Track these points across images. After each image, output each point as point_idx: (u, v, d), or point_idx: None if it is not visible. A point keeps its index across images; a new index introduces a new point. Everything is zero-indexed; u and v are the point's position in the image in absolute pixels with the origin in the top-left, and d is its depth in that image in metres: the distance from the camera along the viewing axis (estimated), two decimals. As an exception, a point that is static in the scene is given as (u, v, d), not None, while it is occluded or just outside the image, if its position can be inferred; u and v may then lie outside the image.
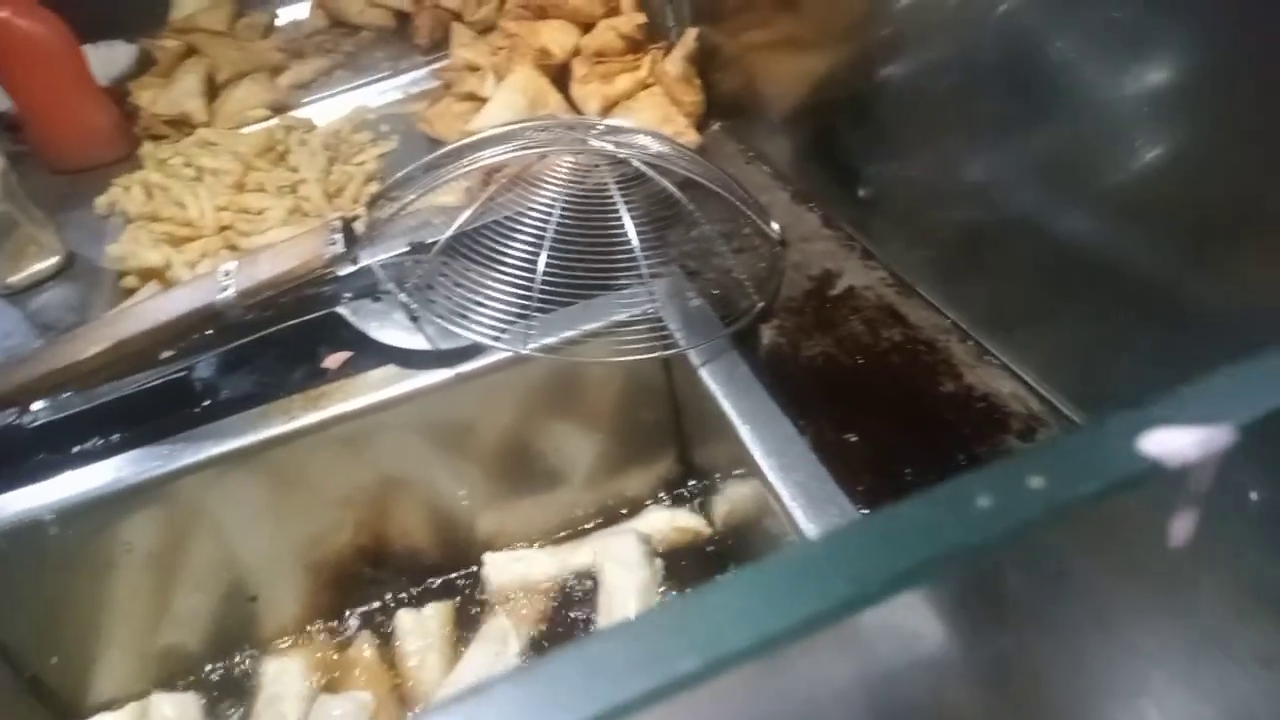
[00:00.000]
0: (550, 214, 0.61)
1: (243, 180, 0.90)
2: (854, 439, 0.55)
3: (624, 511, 0.81)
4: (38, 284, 0.89)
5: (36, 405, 0.67)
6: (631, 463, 0.79)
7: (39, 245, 0.89)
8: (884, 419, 0.56)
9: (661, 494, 0.81)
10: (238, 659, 0.74)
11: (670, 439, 0.79)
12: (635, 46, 0.89)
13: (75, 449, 0.67)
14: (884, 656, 0.32)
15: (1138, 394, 0.28)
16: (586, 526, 0.80)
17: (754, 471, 0.56)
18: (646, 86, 0.87)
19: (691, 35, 0.86)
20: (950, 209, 0.63)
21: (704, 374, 0.62)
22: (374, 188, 0.94)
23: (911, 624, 0.31)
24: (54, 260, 0.89)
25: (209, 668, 0.74)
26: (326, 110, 1.10)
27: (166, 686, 0.72)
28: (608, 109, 0.86)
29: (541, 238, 0.61)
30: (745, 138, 0.84)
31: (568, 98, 0.89)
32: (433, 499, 0.74)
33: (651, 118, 0.84)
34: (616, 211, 0.64)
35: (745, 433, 0.57)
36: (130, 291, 0.83)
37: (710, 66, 0.87)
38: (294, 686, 0.70)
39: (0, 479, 0.65)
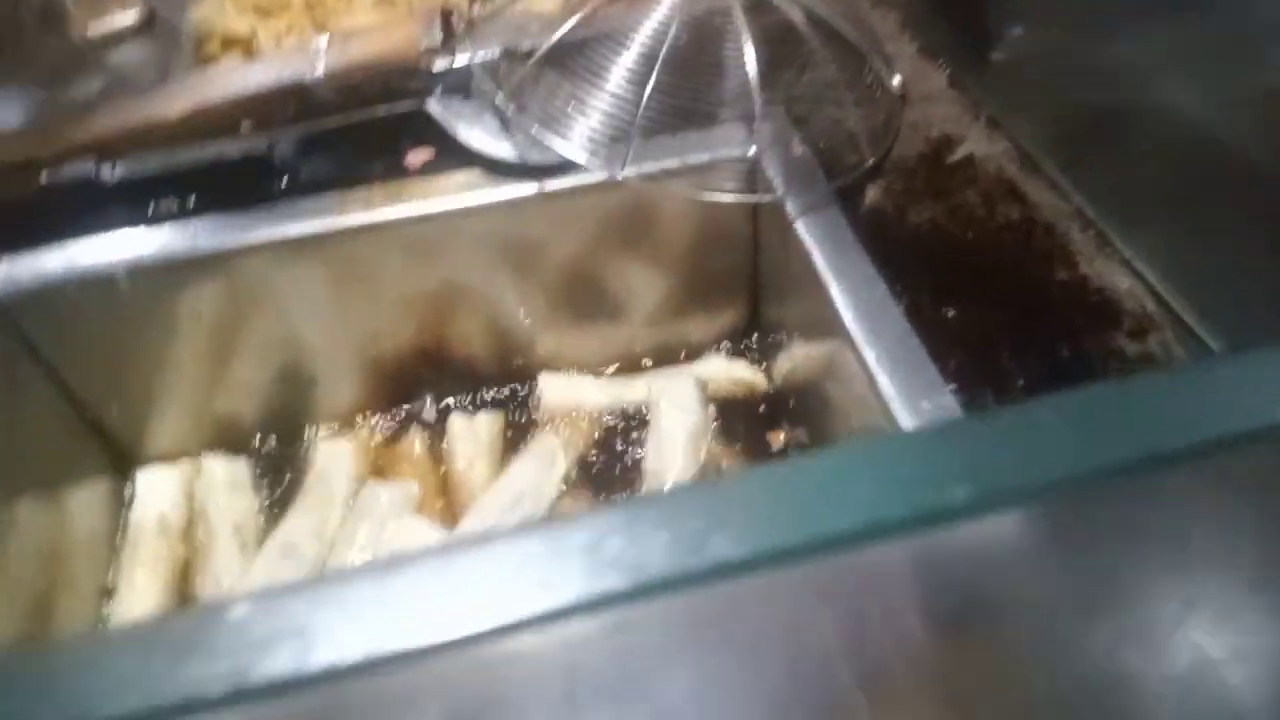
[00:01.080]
0: (665, 30, 0.57)
1: (333, -45, 0.85)
2: (952, 314, 0.53)
3: (682, 355, 0.80)
4: (117, 38, 0.86)
5: (114, 161, 0.66)
6: (697, 307, 0.78)
7: (120, -3, 0.86)
8: (987, 298, 0.53)
9: (724, 343, 0.80)
10: (291, 436, 0.76)
11: (742, 289, 0.77)
12: None
13: (150, 209, 0.66)
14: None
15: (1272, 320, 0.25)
16: (643, 364, 0.80)
17: (838, 332, 0.54)
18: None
19: None
20: (1091, 86, 0.57)
21: (799, 226, 0.59)
22: (467, -19, 0.88)
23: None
24: (134, 15, 0.86)
25: (260, 440, 0.76)
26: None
27: (219, 449, 0.74)
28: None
29: (652, 56, 0.57)
30: (873, -22, 0.78)
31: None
32: (495, 312, 0.74)
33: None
34: (734, 38, 0.59)
35: (836, 292, 0.55)
36: (211, 59, 0.80)
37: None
38: (344, 466, 0.72)
39: (76, 229, 0.64)
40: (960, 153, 0.63)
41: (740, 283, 0.76)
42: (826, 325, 0.57)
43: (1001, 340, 0.51)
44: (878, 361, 0.50)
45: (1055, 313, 0.53)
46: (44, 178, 0.65)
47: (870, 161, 0.61)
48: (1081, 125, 0.58)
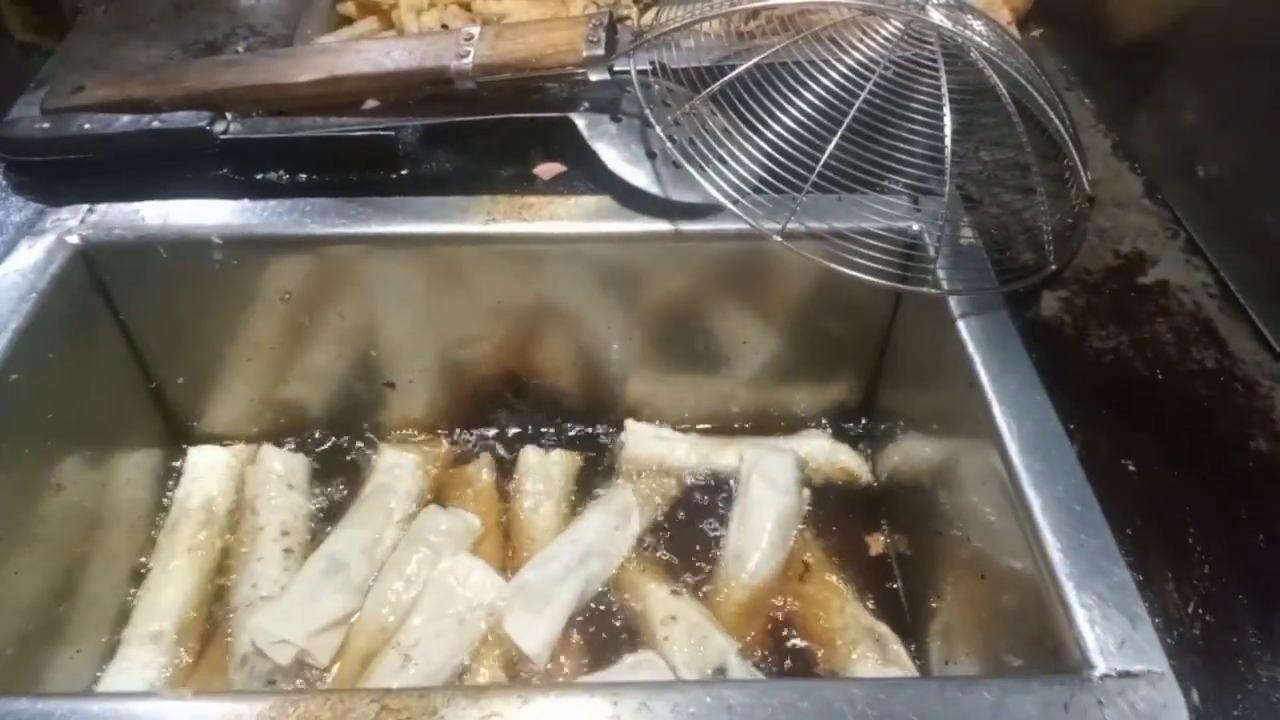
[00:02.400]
0: (861, 85, 0.51)
1: (486, -68, 0.80)
2: (1132, 468, 0.46)
3: (781, 424, 0.73)
4: (251, -19, 0.82)
5: (230, 119, 0.61)
6: (807, 375, 0.71)
7: (263, -61, 0.82)
8: (1173, 457, 0.46)
9: (825, 419, 0.73)
10: (355, 438, 0.71)
11: (862, 367, 0.70)
12: (975, -92, 0.74)
13: (259, 175, 0.61)
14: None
15: None
16: (737, 427, 0.73)
17: (991, 453, 0.47)
18: (972, -39, 0.73)
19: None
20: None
21: (962, 326, 0.52)
22: (624, -17, 0.83)
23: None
24: (273, -40, 0.82)
25: (320, 435, 0.71)
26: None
27: (276, 440, 0.70)
28: (921, -25, 0.72)
29: (841, 110, 0.51)
30: (1070, 56, 0.70)
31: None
32: (590, 344, 0.68)
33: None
34: (929, 103, 0.52)
35: (1000, 414, 0.48)
36: (345, 19, 0.76)
37: (1054, -41, 0.72)
38: (405, 484, 0.67)
39: (178, 184, 0.60)
40: (1153, 275, 0.55)
41: (861, 359, 0.69)
42: (975, 441, 0.51)
43: (1187, 510, 0.44)
44: (1044, 510, 0.43)
45: (1250, 488, 0.46)
46: (154, 123, 0.61)
47: (1053, 267, 0.54)
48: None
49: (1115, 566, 0.42)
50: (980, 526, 0.51)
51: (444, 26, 0.73)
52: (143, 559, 0.63)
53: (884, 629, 0.59)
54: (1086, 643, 0.39)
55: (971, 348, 0.51)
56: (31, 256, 0.57)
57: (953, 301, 0.54)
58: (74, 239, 0.58)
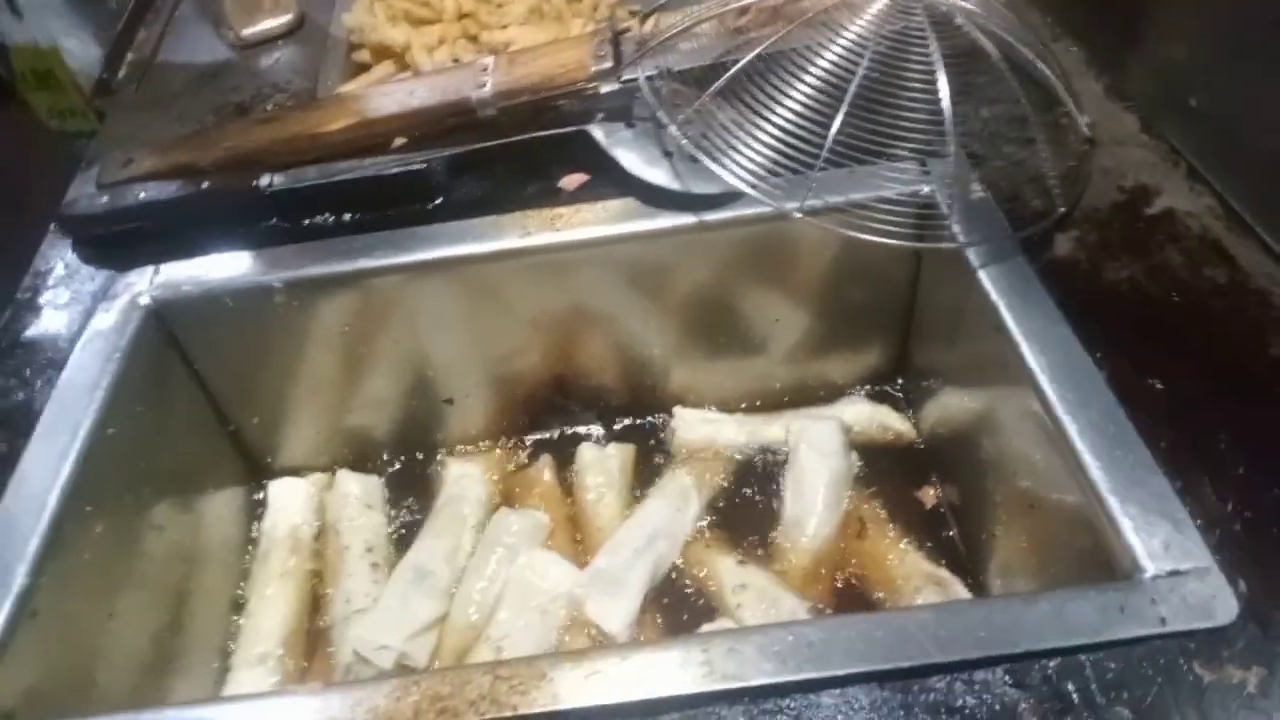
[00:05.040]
0: (857, 62, 0.54)
1: (484, -34, 0.84)
2: (1159, 386, 0.49)
3: (821, 394, 0.76)
4: (269, 41, 0.87)
5: (273, 172, 0.65)
6: (842, 345, 0.74)
7: (274, 2, 0.87)
8: (1197, 371, 0.49)
9: (863, 385, 0.76)
10: (421, 456, 0.75)
11: (893, 331, 0.73)
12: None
13: (306, 220, 0.66)
14: None
15: None
16: (781, 402, 0.77)
17: (1027, 396, 0.50)
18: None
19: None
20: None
21: (983, 277, 0.55)
22: (618, -3, 0.87)
23: None
24: (287, 18, 0.87)
25: (388, 457, 0.75)
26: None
27: (351, 466, 0.74)
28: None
29: (841, 88, 0.54)
30: (1055, 5, 0.73)
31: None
32: (631, 341, 0.71)
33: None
34: (924, 71, 0.55)
35: (1029, 353, 0.51)
36: (362, 66, 0.80)
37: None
38: (474, 491, 0.70)
39: (233, 238, 0.65)
40: (1158, 205, 0.58)
41: (891, 323, 0.72)
42: (1008, 385, 0.54)
43: (1216, 420, 0.47)
44: (1080, 435, 0.46)
45: (1274, 392, 0.48)
46: (204, 185, 0.65)
47: (1061, 210, 0.57)
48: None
49: (1153, 476, 0.44)
50: (1024, 463, 0.54)
51: (455, 60, 0.77)
52: (240, 589, 0.67)
53: (945, 573, 0.62)
54: (1135, 549, 0.42)
55: (994, 294, 0.54)
56: (109, 320, 0.61)
57: (971, 254, 0.57)
58: (145, 300, 0.62)
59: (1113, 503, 0.43)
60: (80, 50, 0.89)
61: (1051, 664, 0.39)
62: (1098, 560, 0.45)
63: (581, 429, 0.76)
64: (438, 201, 0.66)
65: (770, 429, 0.73)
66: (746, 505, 0.70)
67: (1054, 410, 0.48)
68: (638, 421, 0.76)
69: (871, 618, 0.41)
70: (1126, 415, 0.47)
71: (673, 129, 0.58)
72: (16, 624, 0.46)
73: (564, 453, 0.74)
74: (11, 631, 0.46)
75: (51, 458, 0.53)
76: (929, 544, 0.65)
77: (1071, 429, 0.47)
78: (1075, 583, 0.48)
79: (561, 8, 0.82)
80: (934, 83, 0.55)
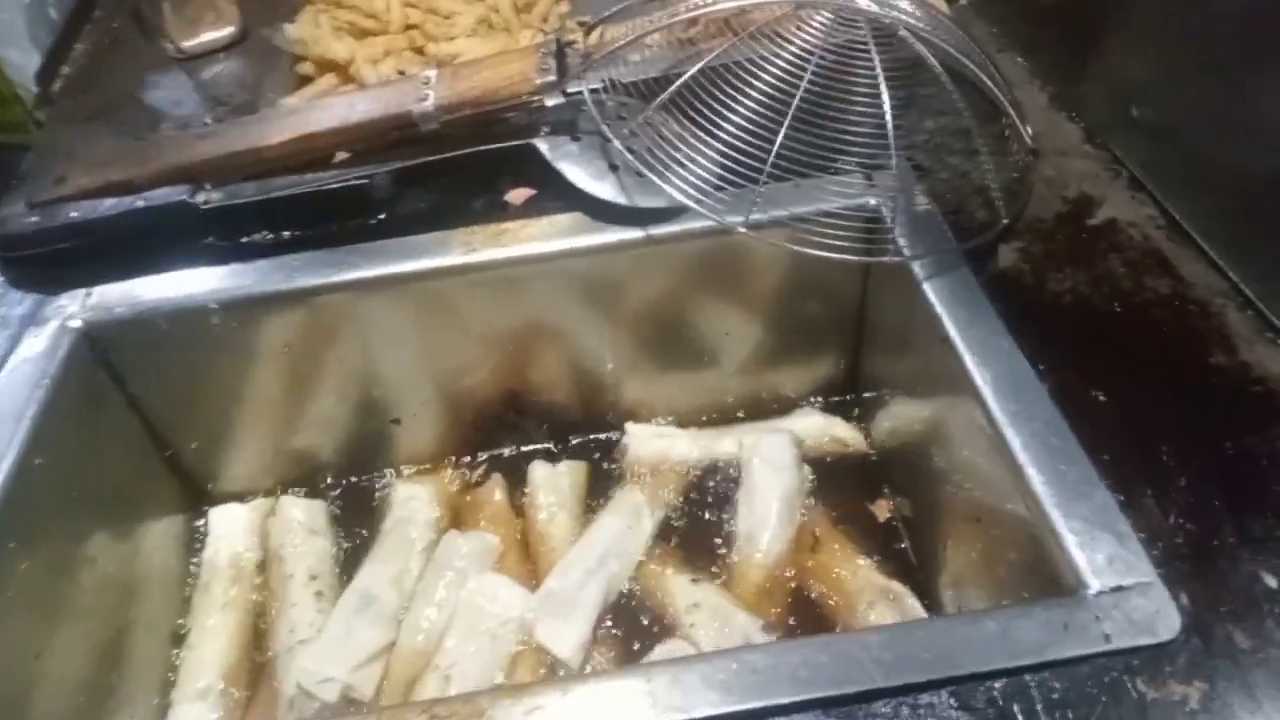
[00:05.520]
0: (800, 75, 0.54)
1: (430, -24, 0.83)
2: (1102, 398, 0.49)
3: (774, 407, 0.76)
4: (210, 53, 0.85)
5: (209, 189, 0.64)
6: (793, 358, 0.74)
7: (216, 12, 0.85)
8: (1139, 382, 0.49)
9: (815, 397, 0.76)
10: (368, 478, 0.73)
11: (842, 342, 0.73)
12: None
13: (244, 239, 0.64)
14: None
15: None
16: (734, 415, 0.76)
17: (971, 408, 0.50)
18: (894, -60, 0.76)
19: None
20: (1255, 151, 0.53)
21: (928, 289, 0.55)
22: (564, 8, 0.86)
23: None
24: (229, 30, 0.85)
25: (334, 479, 0.73)
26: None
27: (295, 489, 0.72)
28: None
29: (784, 101, 0.54)
30: (1000, 18, 0.74)
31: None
32: (582, 356, 0.71)
33: (896, -21, 0.73)
34: (868, 84, 0.55)
35: (972, 365, 0.51)
36: (305, 79, 0.78)
37: (972, -73, 0.75)
38: (422, 514, 0.69)
39: (168, 257, 0.63)
40: (1101, 216, 0.58)
41: (841, 335, 0.72)
42: (954, 396, 0.53)
43: (1158, 431, 0.47)
44: (1024, 448, 0.46)
45: (1214, 402, 0.48)
46: (139, 203, 0.63)
47: (1005, 221, 0.57)
48: (1242, 193, 0.54)
49: (1096, 490, 0.44)
50: (973, 476, 0.54)
51: (400, 73, 0.75)
52: (180, 621, 0.65)
53: (898, 586, 0.62)
54: (1079, 564, 0.42)
55: (939, 306, 0.54)
56: (38, 345, 0.59)
57: (916, 266, 0.57)
58: (76, 323, 0.60)
59: (1056, 517, 0.43)
60: (22, 60, 0.86)
61: (997, 685, 0.39)
62: (1043, 574, 0.45)
63: (533, 446, 0.75)
64: (381, 217, 0.64)
65: (723, 443, 0.73)
66: (699, 521, 0.69)
67: (997, 423, 0.48)
68: (590, 438, 0.75)
69: (817, 642, 0.40)
70: (1070, 427, 0.47)
71: (616, 143, 0.57)
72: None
73: (515, 471, 0.73)
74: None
75: (-28, 490, 0.51)
76: (882, 556, 0.65)
77: (1015, 442, 0.47)
78: (1023, 596, 0.48)
79: (510, 19, 0.81)
80: (878, 95, 0.55)
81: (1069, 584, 0.42)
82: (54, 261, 0.64)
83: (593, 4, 0.86)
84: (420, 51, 0.78)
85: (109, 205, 0.64)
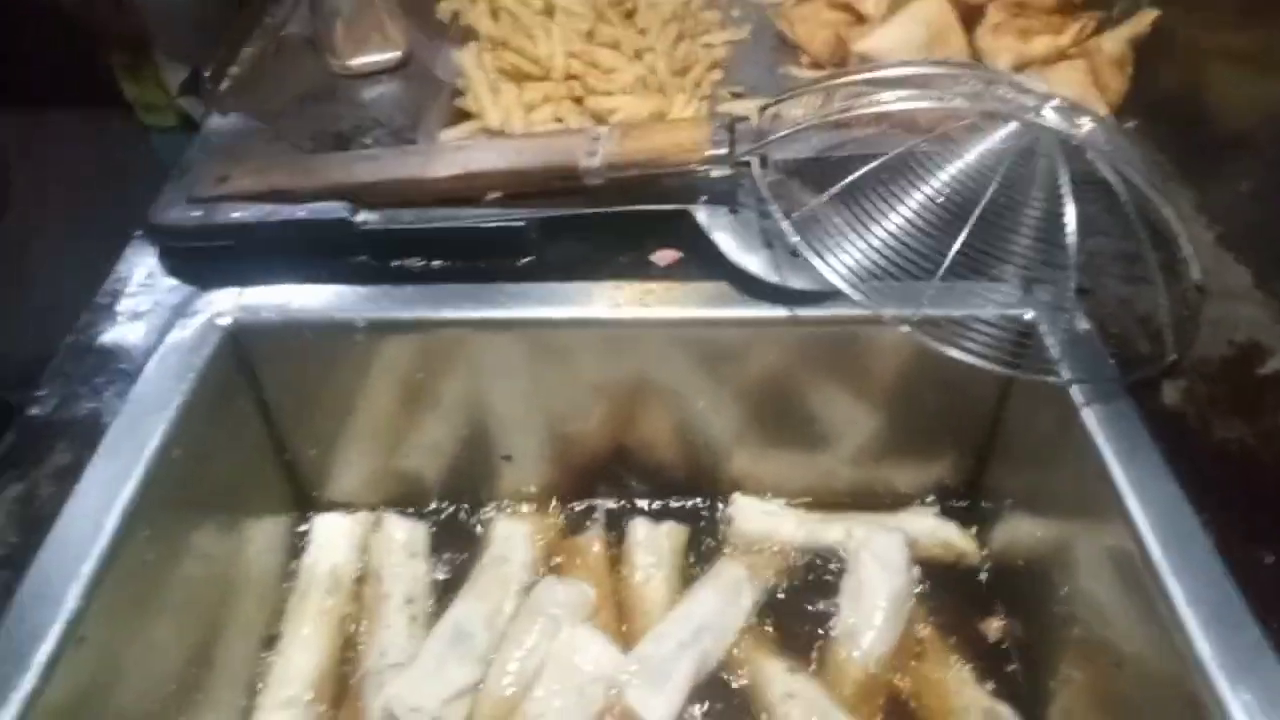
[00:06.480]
0: (987, 181, 0.53)
1: (593, 30, 0.85)
2: (1271, 560, 0.46)
3: (886, 501, 0.74)
4: (373, 74, 0.87)
5: (369, 209, 0.65)
6: (911, 452, 0.72)
7: (384, 36, 0.87)
8: (1312, 548, 0.47)
9: (930, 497, 0.74)
10: (469, 508, 0.73)
11: (968, 447, 0.71)
12: (1067, 7, 0.77)
13: (395, 262, 0.65)
14: None
15: None
16: (841, 501, 0.74)
17: (1134, 551, 0.48)
18: (1066, 56, 0.75)
19: (1149, 18, 0.73)
20: None
21: (1087, 416, 0.54)
22: (718, 75, 0.87)
23: None
24: (395, 55, 0.88)
25: (437, 504, 0.73)
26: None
27: (398, 508, 0.72)
28: (1017, 70, 0.75)
29: (967, 204, 0.53)
30: (1168, 149, 0.72)
31: (970, 43, 0.79)
32: (694, 419, 0.70)
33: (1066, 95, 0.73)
34: (1044, 196, 0.55)
35: (1133, 504, 0.49)
36: (464, 114, 0.80)
37: (1149, 53, 0.74)
38: (520, 553, 0.69)
39: (319, 269, 0.64)
40: (1271, 366, 0.56)
41: (966, 438, 0.70)
42: (1100, 530, 0.52)
43: (1330, 606, 0.45)
44: (1190, 604, 0.44)
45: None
46: (299, 213, 0.65)
47: (1173, 357, 0.56)
48: None
49: (1265, 660, 0.42)
50: (1108, 614, 0.52)
51: (558, 120, 0.77)
52: (273, 625, 0.65)
53: (1005, 709, 0.59)
54: (1246, 741, 0.40)
55: (1099, 438, 0.52)
56: (186, 337, 0.61)
57: (1075, 391, 0.55)
58: (225, 320, 0.62)
59: (1222, 686, 0.41)
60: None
61: None
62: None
63: (634, 502, 0.74)
64: (529, 259, 0.65)
65: (830, 530, 0.71)
66: (799, 607, 0.67)
67: (1157, 570, 0.46)
68: (691, 502, 0.74)
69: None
70: (1234, 586, 0.45)
71: (785, 225, 0.57)
72: (63, 650, 0.45)
73: (613, 524, 0.72)
74: (58, 657, 0.44)
75: (114, 476, 0.52)
76: (987, 675, 0.62)
77: (1177, 594, 0.45)
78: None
79: (667, 81, 0.82)
80: (1053, 209, 0.55)
81: (1230, 759, 0.40)
82: (209, 257, 0.66)
83: (742, 75, 0.88)
84: (579, 101, 0.79)
85: (271, 210, 0.66)
